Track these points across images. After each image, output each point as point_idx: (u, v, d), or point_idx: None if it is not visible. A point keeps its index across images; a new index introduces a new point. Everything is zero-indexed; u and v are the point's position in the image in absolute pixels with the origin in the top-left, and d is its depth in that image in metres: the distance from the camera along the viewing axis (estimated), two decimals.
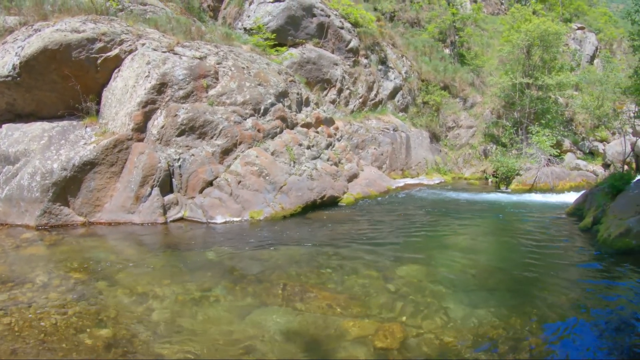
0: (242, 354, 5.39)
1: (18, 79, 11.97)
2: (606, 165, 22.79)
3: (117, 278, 7.74)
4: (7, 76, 11.96)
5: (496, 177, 21.03)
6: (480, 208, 14.93)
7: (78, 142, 11.52)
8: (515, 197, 17.43)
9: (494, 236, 11.52)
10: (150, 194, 11.23)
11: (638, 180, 11.84)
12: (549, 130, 22.29)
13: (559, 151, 22.51)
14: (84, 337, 5.77)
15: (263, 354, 5.38)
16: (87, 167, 11.06)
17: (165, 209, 11.31)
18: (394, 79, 22.82)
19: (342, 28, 20.41)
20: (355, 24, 21.50)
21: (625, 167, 20.94)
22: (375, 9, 25.54)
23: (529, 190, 18.98)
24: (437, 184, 19.92)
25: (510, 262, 9.07)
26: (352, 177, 15.72)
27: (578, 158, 23.91)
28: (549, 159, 20.97)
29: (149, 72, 12.30)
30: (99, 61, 12.41)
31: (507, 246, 10.42)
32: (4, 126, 12.38)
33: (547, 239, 10.82)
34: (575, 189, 18.83)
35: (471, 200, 16.38)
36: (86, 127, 12.05)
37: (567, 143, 24.64)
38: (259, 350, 5.47)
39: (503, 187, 20.00)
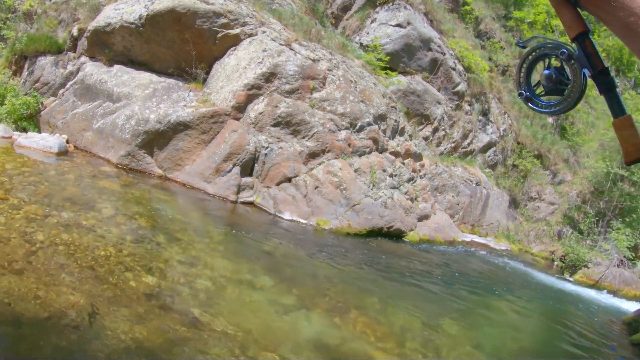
0: (269, 346, 5.35)
1: (141, 29, 12.46)
2: None
3: (177, 236, 7.87)
4: (132, 23, 12.47)
5: (563, 262, 20.18)
6: (538, 288, 14.36)
7: (179, 102, 11.85)
8: (576, 288, 16.71)
9: (543, 320, 11.05)
10: (230, 170, 11.38)
11: None
12: (630, 231, 21.21)
13: (634, 255, 21.36)
14: (129, 276, 5.88)
15: (288, 354, 5.32)
16: (180, 127, 11.39)
17: (239, 189, 11.42)
18: (491, 133, 22.41)
19: (453, 69, 20.23)
20: (468, 69, 21.24)
21: None
22: (490, 59, 25.20)
23: (592, 286, 18.12)
24: (503, 250, 19.28)
25: (550, 351, 8.78)
26: (423, 217, 15.44)
27: None
28: (622, 260, 19.92)
29: (262, 59, 12.52)
30: (219, 35, 12.73)
31: (552, 335, 9.97)
32: (116, 66, 13.00)
33: (595, 340, 10.26)
34: (639, 299, 17.88)
35: (532, 278, 15.79)
36: (190, 91, 12.36)
37: None
38: (286, 349, 5.42)
39: (566, 274, 19.16)
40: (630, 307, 14.97)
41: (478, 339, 7.91)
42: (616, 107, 0.98)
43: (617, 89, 1.01)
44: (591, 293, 16.75)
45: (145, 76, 12.64)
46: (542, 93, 1.14)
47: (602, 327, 11.83)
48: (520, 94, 1.18)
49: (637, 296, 18.24)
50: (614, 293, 17.90)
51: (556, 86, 1.10)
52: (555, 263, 20.51)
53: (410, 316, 7.74)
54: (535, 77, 1.18)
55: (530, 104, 1.16)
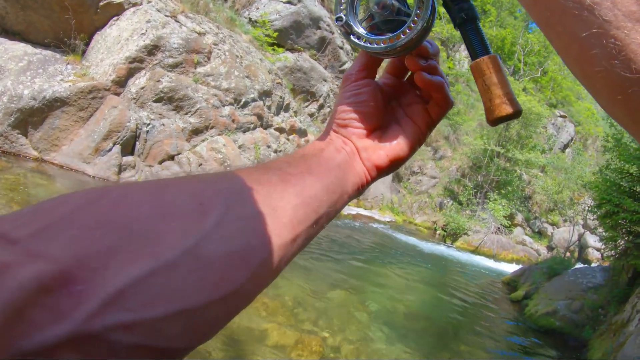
0: None
1: None
2: (550, 248, 23.59)
3: None
4: None
5: (444, 231, 21.53)
6: (423, 256, 15.22)
7: (55, 76, 11.26)
8: (457, 254, 17.92)
9: (429, 285, 11.76)
10: (110, 149, 11.03)
11: (575, 269, 12.32)
12: (506, 201, 23.04)
13: (510, 223, 23.21)
14: None
15: None
16: (56, 103, 10.80)
17: (120, 169, 11.13)
18: None
19: (341, 48, 20.61)
20: (355, 48, 21.58)
21: (567, 254, 21.65)
22: None
23: (472, 252, 19.49)
24: (388, 221, 20.13)
25: (438, 313, 9.35)
26: None
27: (526, 234, 24.68)
28: (499, 228, 21.63)
29: (146, 31, 12.16)
30: (101, 3, 12.17)
31: (439, 298, 10.69)
32: None
33: (478, 300, 11.15)
34: (516, 261, 19.49)
35: (416, 246, 16.68)
36: (68, 64, 11.77)
37: (519, 217, 25.39)
38: None
39: (448, 242, 20.51)
40: (508, 268, 16.28)
41: (369, 306, 8.31)
42: (476, 45, 0.72)
43: (479, 21, 0.73)
44: (472, 258, 17.98)
45: (20, 47, 11.82)
46: (374, 28, 0.80)
47: (483, 288, 12.80)
48: (338, 19, 0.78)
49: (514, 259, 19.98)
50: (493, 257, 19.36)
51: (392, 17, 0.77)
52: (438, 232, 21.81)
53: (301, 289, 7.99)
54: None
55: (352, 38, 0.79)
